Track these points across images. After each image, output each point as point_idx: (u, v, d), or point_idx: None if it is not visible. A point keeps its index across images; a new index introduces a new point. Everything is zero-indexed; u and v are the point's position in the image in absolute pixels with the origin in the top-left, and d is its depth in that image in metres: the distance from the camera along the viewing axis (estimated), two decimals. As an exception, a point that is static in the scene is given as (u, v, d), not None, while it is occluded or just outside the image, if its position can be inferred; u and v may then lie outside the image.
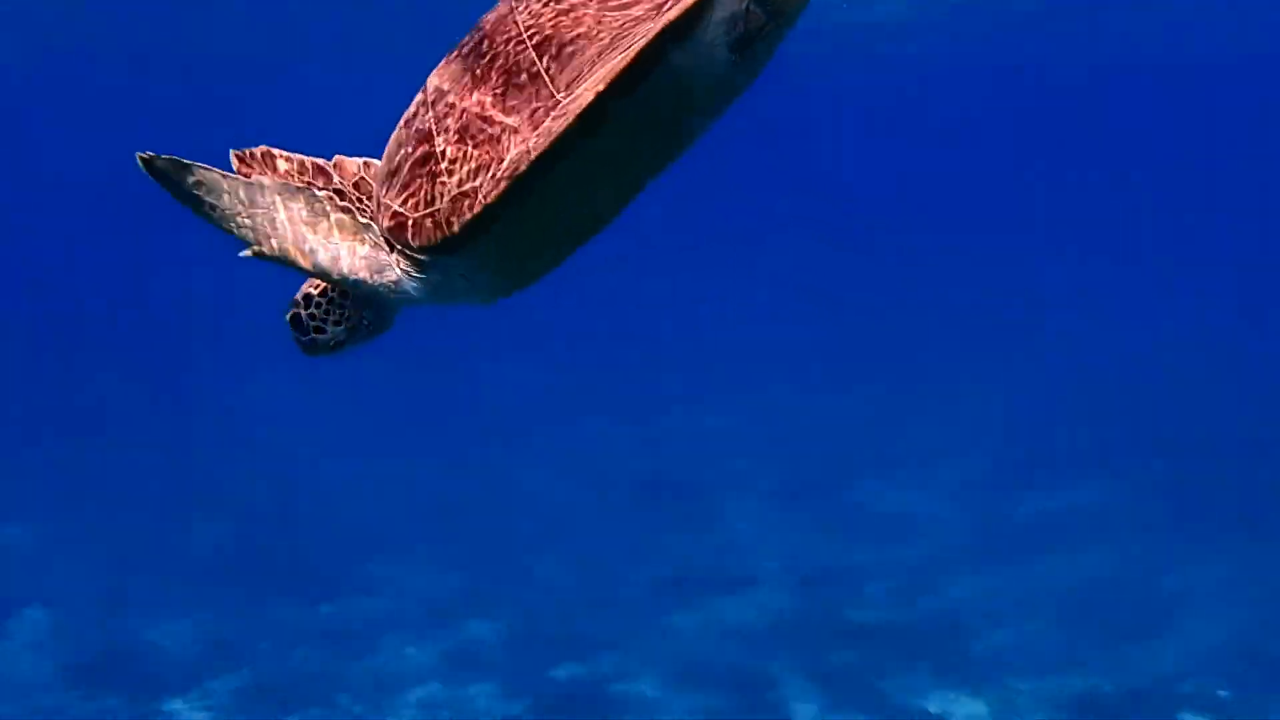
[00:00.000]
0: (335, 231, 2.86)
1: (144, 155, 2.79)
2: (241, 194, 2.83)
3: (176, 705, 8.89)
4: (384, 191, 2.78)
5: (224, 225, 2.83)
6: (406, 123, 2.79)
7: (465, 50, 2.73)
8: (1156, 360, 18.35)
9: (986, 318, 21.90)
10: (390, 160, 2.79)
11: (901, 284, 25.71)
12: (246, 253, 2.85)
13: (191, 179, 2.80)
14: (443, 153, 2.65)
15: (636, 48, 2.44)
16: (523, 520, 12.14)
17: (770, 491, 12.78)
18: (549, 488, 13.00)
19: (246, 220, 2.83)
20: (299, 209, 2.86)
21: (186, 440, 15.00)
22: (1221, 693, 8.75)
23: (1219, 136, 36.33)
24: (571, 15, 2.58)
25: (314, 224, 2.86)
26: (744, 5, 2.55)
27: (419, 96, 2.78)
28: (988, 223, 33.49)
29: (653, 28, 2.45)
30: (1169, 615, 9.90)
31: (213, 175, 2.82)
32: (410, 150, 2.73)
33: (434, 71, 2.77)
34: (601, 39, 2.52)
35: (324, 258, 2.85)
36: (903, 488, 12.85)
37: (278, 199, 2.85)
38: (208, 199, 2.82)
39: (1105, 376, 17.35)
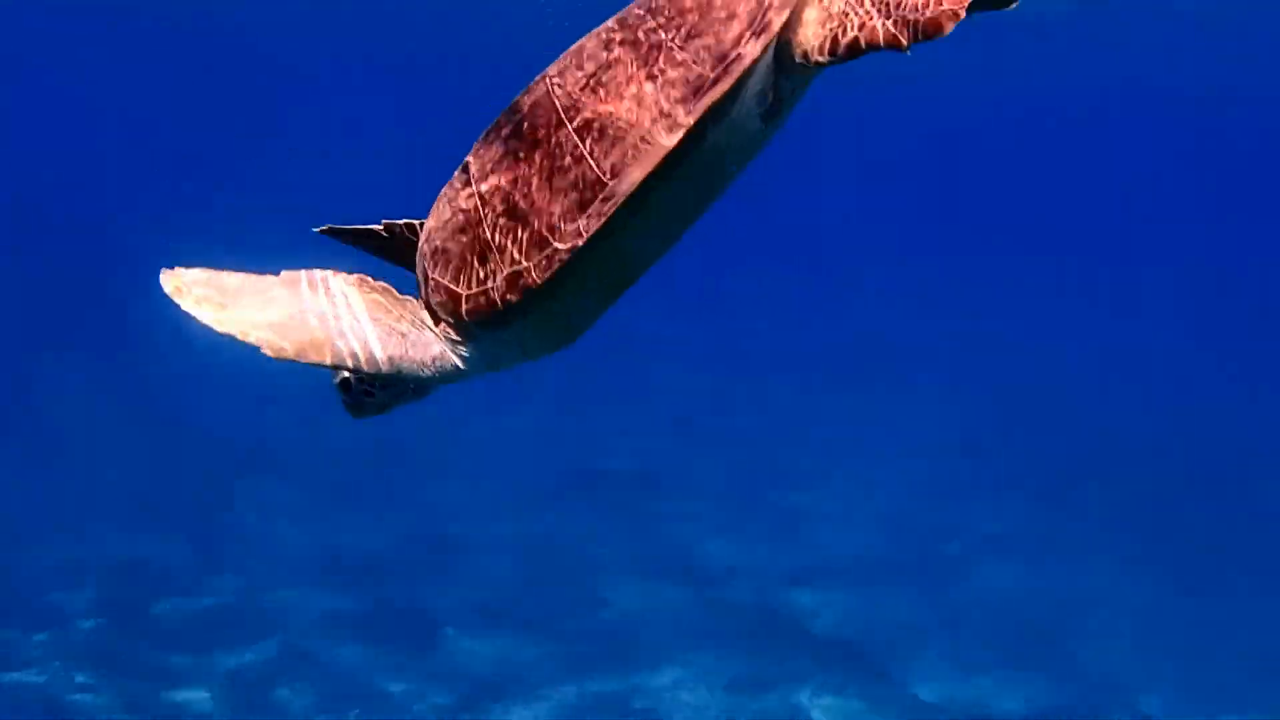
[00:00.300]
0: (368, 311, 2.91)
1: (171, 272, 2.82)
2: (267, 292, 2.87)
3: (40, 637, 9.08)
4: (432, 268, 2.85)
5: (249, 334, 2.79)
6: (449, 200, 2.84)
7: (505, 132, 2.77)
8: (1114, 382, 18.51)
9: (977, 325, 21.89)
10: (438, 236, 2.85)
11: (887, 295, 25.60)
12: (269, 351, 2.81)
13: (220, 285, 2.84)
14: (493, 231, 2.74)
15: (679, 134, 2.60)
16: (462, 498, 12.16)
17: (716, 493, 12.78)
18: (495, 471, 12.95)
19: (277, 319, 2.83)
20: (334, 295, 2.91)
21: (142, 394, 14.96)
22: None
23: (1215, 161, 36.30)
24: (609, 96, 2.65)
25: (347, 308, 2.91)
26: (774, 78, 2.68)
27: (460, 176, 2.84)
28: (977, 235, 33.42)
29: (693, 110, 2.60)
30: (1089, 639, 9.93)
31: (238, 279, 2.88)
32: (457, 228, 2.80)
33: (472, 152, 2.82)
34: (641, 122, 2.62)
35: (357, 342, 2.88)
36: (844, 497, 12.82)
37: (305, 291, 2.89)
38: (230, 304, 2.81)
39: (1064, 396, 17.39)
